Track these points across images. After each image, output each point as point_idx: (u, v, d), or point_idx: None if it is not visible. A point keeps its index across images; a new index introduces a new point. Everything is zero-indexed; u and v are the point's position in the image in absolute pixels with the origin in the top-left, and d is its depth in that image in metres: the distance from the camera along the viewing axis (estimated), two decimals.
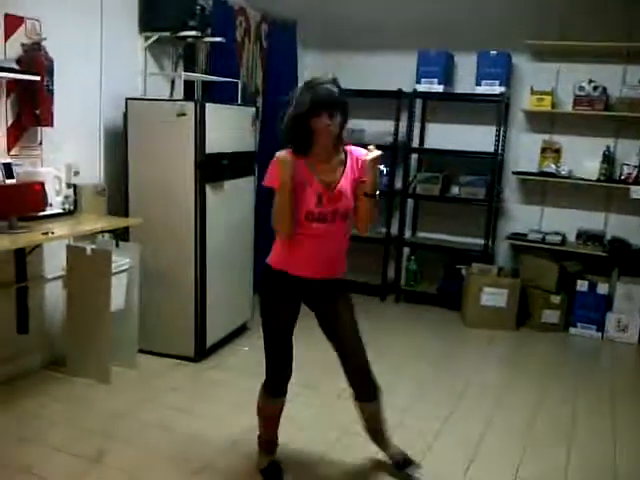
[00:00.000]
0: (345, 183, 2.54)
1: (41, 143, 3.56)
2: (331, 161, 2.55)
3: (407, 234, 5.76)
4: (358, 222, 2.63)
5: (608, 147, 5.09)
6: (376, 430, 2.86)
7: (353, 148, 2.61)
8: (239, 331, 4.50)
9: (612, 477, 2.95)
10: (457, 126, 5.57)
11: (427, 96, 5.51)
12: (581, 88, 5.05)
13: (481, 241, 5.36)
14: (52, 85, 3.38)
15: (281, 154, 2.47)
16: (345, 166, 2.56)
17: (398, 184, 5.60)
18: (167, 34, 4.18)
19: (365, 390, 2.72)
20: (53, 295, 3.80)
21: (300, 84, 2.50)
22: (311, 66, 5.93)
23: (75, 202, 3.70)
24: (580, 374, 4.24)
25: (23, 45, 3.33)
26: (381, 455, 2.91)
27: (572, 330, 5.05)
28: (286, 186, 2.43)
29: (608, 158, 5.07)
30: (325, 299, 2.67)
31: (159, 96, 4.31)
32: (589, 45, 4.93)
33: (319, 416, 3.41)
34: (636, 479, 2.97)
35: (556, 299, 5.02)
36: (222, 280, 4.14)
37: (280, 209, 2.47)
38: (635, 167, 4.94)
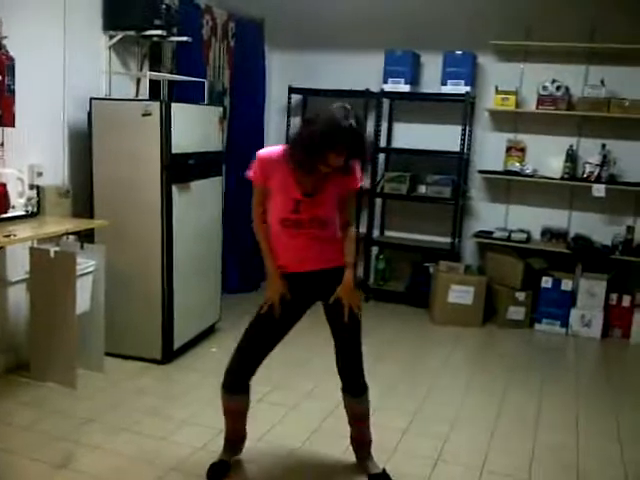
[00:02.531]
0: (328, 190, 2.51)
1: (2, 144, 3.48)
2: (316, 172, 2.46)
3: (375, 233, 5.80)
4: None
5: (571, 146, 5.19)
6: (360, 442, 2.86)
7: None
8: (208, 332, 4.48)
9: (576, 469, 3.02)
10: (424, 126, 5.62)
11: (394, 96, 5.55)
12: (544, 88, 5.13)
13: (448, 239, 5.42)
14: (13, 85, 3.31)
15: (264, 154, 2.53)
16: (330, 173, 2.47)
17: (366, 184, 5.61)
18: (132, 33, 4.13)
19: (350, 384, 2.74)
20: (16, 298, 3.72)
21: (331, 110, 2.36)
22: (278, 65, 5.94)
23: (38, 204, 3.64)
24: (545, 369, 4.32)
25: None
26: (349, 454, 2.93)
27: (537, 326, 5.14)
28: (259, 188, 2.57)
29: (571, 157, 5.17)
30: (326, 292, 2.63)
31: (124, 96, 4.26)
32: (552, 45, 5.02)
33: (288, 415, 3.41)
34: (599, 471, 3.03)
35: (521, 296, 5.10)
36: (190, 281, 4.11)
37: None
38: (597, 165, 5.04)
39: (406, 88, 5.35)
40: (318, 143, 2.31)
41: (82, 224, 3.69)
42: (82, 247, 3.68)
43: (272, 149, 2.56)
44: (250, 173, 2.56)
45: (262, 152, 2.55)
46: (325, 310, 2.70)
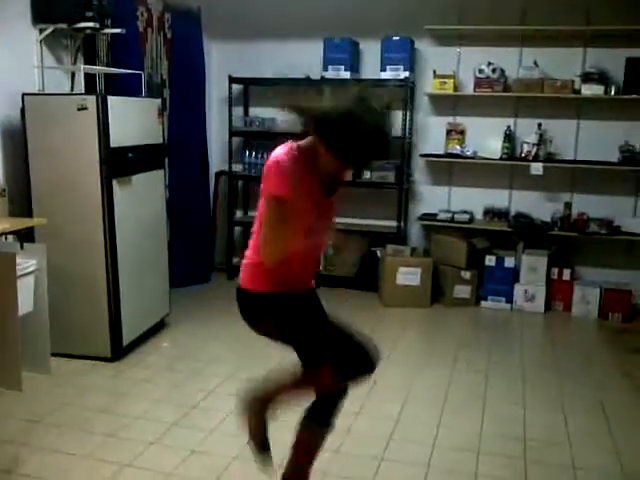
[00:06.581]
0: (337, 192, 2.37)
1: None
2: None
3: None
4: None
5: (509, 126, 5.32)
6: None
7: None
8: (158, 327, 4.43)
9: (522, 438, 3.13)
10: None
11: (335, 83, 5.57)
12: (481, 71, 5.24)
13: (394, 223, 5.50)
14: None
15: (287, 160, 2.05)
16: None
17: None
18: (63, 26, 4.02)
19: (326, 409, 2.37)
20: None
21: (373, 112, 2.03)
22: (218, 55, 5.89)
23: None
24: (492, 345, 4.45)
25: None
26: None
27: (483, 303, 5.28)
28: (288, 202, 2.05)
29: (509, 137, 5.30)
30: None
31: (59, 91, 4.16)
32: (486, 29, 5.13)
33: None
34: (545, 441, 3.14)
35: (466, 275, 5.22)
36: (136, 276, 4.06)
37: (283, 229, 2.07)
38: (534, 145, 5.18)
39: (347, 75, 5.38)
40: (367, 150, 2.01)
41: (20, 223, 3.58)
42: (22, 247, 3.58)
43: (283, 152, 2.08)
44: (280, 189, 2.03)
45: (282, 158, 2.05)
46: None
